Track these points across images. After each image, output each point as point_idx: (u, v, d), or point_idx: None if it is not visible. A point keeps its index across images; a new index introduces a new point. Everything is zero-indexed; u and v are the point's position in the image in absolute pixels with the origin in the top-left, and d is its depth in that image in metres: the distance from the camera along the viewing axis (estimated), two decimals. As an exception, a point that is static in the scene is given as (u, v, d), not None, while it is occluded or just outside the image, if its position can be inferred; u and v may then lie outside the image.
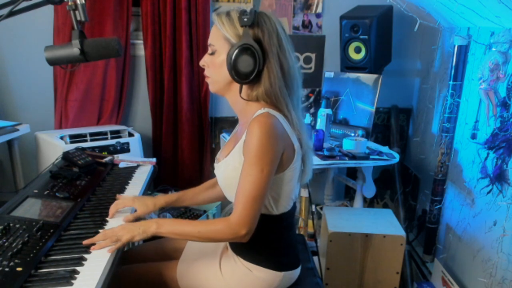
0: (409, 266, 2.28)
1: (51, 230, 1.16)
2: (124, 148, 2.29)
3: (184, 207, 2.39)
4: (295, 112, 1.18)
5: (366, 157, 2.04)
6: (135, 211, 1.36)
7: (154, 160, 1.86)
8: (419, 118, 2.66)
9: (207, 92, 2.54)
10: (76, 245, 1.12)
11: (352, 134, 2.31)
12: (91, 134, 2.30)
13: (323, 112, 2.19)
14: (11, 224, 1.14)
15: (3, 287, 0.91)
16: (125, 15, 2.38)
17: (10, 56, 2.43)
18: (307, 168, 1.26)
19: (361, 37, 2.29)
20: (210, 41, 1.18)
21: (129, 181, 1.63)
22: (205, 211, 2.36)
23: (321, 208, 2.52)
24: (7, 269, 0.96)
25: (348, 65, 2.42)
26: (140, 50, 2.52)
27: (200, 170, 2.67)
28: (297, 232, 2.40)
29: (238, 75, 1.12)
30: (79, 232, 1.20)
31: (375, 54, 2.31)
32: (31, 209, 1.27)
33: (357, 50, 2.36)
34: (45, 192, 1.39)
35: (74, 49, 1.16)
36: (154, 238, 1.24)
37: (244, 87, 1.17)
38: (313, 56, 2.65)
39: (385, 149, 2.19)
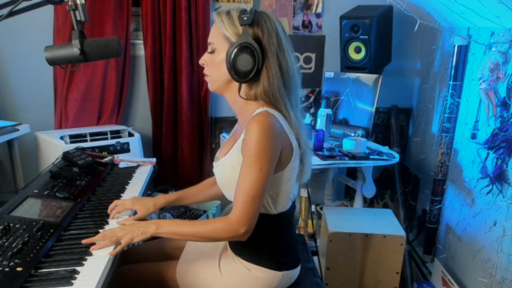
0: (409, 266, 2.28)
1: (51, 230, 1.16)
2: (124, 148, 2.29)
3: (184, 207, 2.39)
4: (293, 111, 1.19)
5: (366, 157, 2.04)
6: (135, 213, 1.36)
7: (154, 160, 1.86)
8: (419, 118, 2.66)
9: (207, 92, 2.54)
10: (76, 245, 1.12)
11: (352, 134, 2.31)
12: (91, 134, 2.30)
13: (323, 112, 2.19)
14: (11, 224, 1.14)
15: (3, 287, 0.91)
16: (125, 15, 2.38)
17: (10, 56, 2.43)
18: (305, 168, 1.26)
19: (361, 37, 2.29)
20: (210, 39, 1.18)
21: (129, 181, 1.63)
22: (205, 211, 2.36)
23: (321, 208, 2.52)
24: (7, 269, 0.96)
25: (348, 65, 2.42)
26: (140, 50, 2.52)
27: (200, 170, 2.67)
28: (297, 232, 2.40)
29: (237, 73, 1.12)
30: (79, 232, 1.20)
31: (375, 54, 2.31)
32: (31, 209, 1.27)
33: (357, 50, 2.36)
34: (45, 192, 1.39)
35: (74, 49, 1.16)
36: (154, 238, 1.24)
37: (243, 86, 1.17)
38: (313, 56, 2.65)
39: (385, 149, 2.19)
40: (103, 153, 2.10)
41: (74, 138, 2.25)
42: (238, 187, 1.11)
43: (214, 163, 1.30)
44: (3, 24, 1.21)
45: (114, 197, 1.46)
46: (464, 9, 1.80)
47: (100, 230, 1.21)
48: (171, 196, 1.45)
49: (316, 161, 1.96)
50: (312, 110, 2.67)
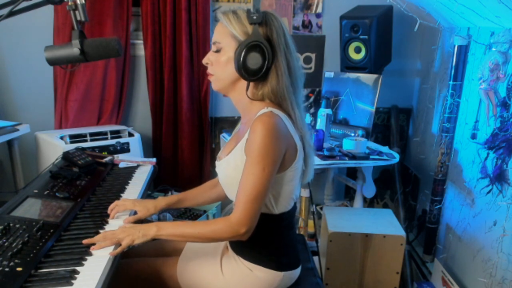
0: (409, 266, 2.28)
1: (51, 230, 1.16)
2: (124, 148, 2.29)
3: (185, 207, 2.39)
4: (298, 111, 1.19)
5: (366, 157, 2.04)
6: (136, 213, 1.36)
7: (154, 160, 1.86)
8: (419, 118, 2.66)
9: (207, 92, 2.54)
10: (76, 245, 1.12)
11: (352, 134, 2.31)
12: (91, 134, 2.30)
13: (323, 112, 2.19)
14: (11, 224, 1.14)
15: (3, 287, 0.91)
16: (125, 15, 2.38)
17: (10, 56, 2.43)
18: (308, 167, 1.27)
19: (361, 37, 2.29)
20: (215, 39, 1.18)
21: (129, 181, 1.63)
22: (205, 211, 2.36)
23: (321, 208, 2.52)
24: (7, 269, 0.96)
25: (348, 65, 2.42)
26: (140, 50, 2.52)
27: (200, 170, 2.67)
28: (297, 232, 2.40)
29: (246, 72, 1.12)
30: (79, 232, 1.20)
31: (375, 54, 2.31)
32: (31, 209, 1.27)
33: (357, 50, 2.36)
34: (45, 192, 1.39)
35: (74, 49, 1.16)
36: (154, 240, 1.23)
37: (250, 85, 1.17)
38: (313, 56, 2.65)
39: (385, 149, 2.19)
40: (103, 153, 2.10)
41: (74, 138, 2.26)
42: (241, 186, 1.12)
43: (217, 163, 1.30)
44: (3, 24, 1.21)
45: (114, 197, 1.46)
46: (464, 9, 1.80)
47: (100, 231, 1.21)
48: (172, 199, 1.44)
49: (316, 161, 1.96)
50: (312, 110, 2.67)
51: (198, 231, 1.15)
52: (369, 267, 1.90)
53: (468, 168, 1.96)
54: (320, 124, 2.20)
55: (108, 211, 1.32)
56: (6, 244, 1.05)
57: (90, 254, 1.09)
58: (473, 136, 1.93)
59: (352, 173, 2.53)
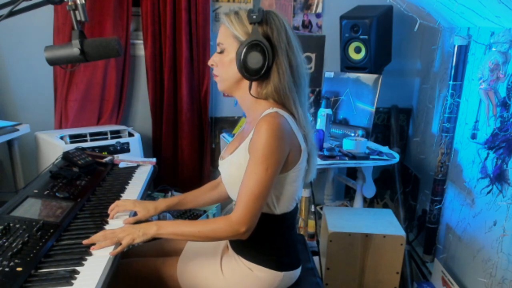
0: (409, 266, 2.28)
1: (51, 230, 1.16)
2: (124, 148, 2.29)
3: (185, 207, 2.39)
4: (302, 109, 1.19)
5: (366, 157, 2.04)
6: (135, 213, 1.36)
7: (154, 160, 1.86)
8: (419, 118, 2.66)
9: (207, 92, 2.54)
10: (76, 245, 1.12)
11: (352, 134, 2.31)
12: (91, 134, 2.30)
13: (323, 112, 2.19)
14: (11, 224, 1.14)
15: (3, 287, 0.91)
16: (125, 15, 2.38)
17: (10, 56, 2.43)
18: (311, 167, 1.27)
19: (361, 37, 2.29)
20: (219, 40, 1.19)
21: (129, 181, 1.63)
22: (205, 211, 2.36)
23: (321, 208, 2.51)
24: (7, 269, 0.96)
25: (348, 65, 2.42)
26: (140, 50, 2.52)
27: (200, 170, 2.67)
28: (297, 232, 2.40)
29: (247, 71, 1.13)
30: (79, 232, 1.20)
31: (375, 54, 2.31)
32: (31, 209, 1.27)
33: (357, 50, 2.36)
34: (45, 192, 1.39)
35: (74, 49, 1.16)
36: (154, 239, 1.24)
37: (254, 85, 1.17)
38: (313, 56, 2.65)
39: (385, 149, 2.19)
40: (103, 153, 2.10)
41: (74, 138, 2.26)
42: (243, 186, 1.12)
43: (220, 162, 1.30)
44: (3, 24, 1.21)
45: (114, 197, 1.46)
46: (464, 9, 1.80)
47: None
48: (172, 200, 1.44)
49: (316, 161, 1.96)
50: (312, 110, 2.67)
51: (198, 230, 1.15)
52: (369, 267, 1.90)
53: (468, 168, 1.96)
54: (320, 124, 2.20)
55: (108, 211, 1.32)
56: (6, 244, 1.05)
57: (90, 254, 1.09)
58: (473, 136, 1.93)
59: (352, 173, 2.53)
